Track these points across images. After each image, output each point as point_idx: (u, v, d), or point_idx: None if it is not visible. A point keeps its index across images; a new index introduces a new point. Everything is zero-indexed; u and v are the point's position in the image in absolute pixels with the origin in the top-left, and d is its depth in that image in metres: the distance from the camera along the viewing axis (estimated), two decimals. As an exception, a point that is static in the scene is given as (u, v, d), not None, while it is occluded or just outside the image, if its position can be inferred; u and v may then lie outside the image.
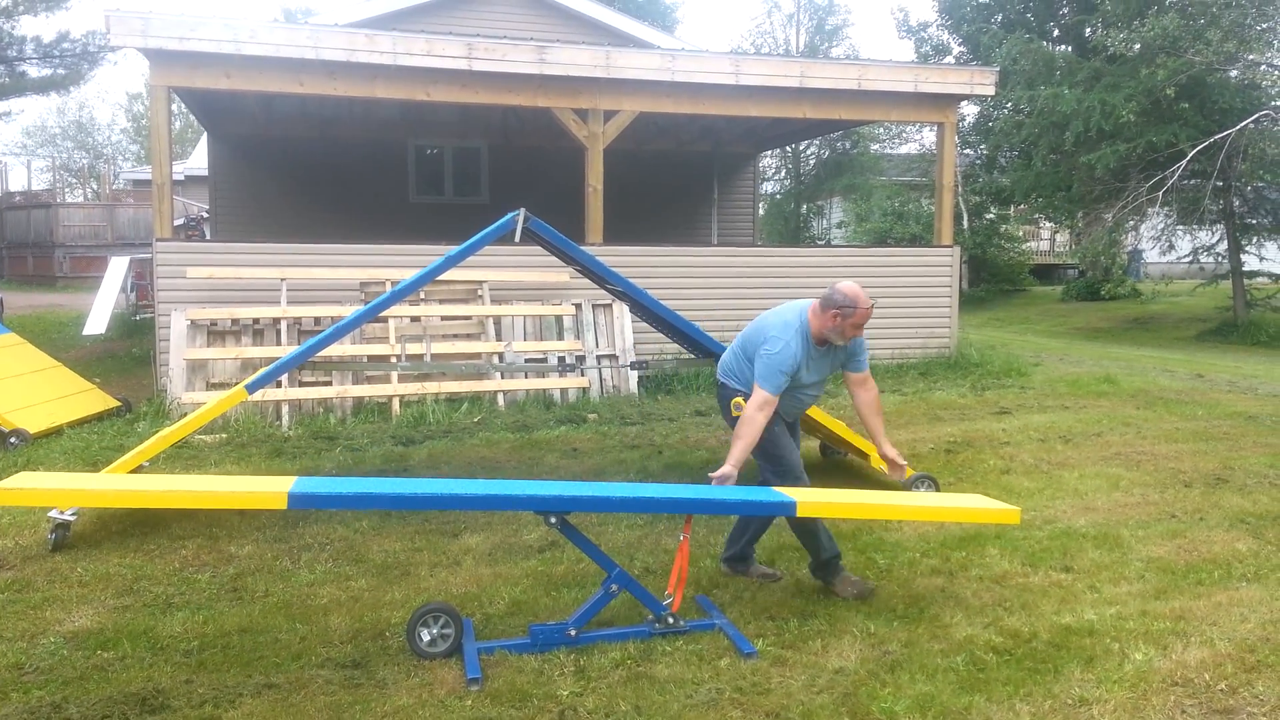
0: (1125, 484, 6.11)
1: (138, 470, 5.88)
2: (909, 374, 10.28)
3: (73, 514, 5.06)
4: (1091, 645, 3.75)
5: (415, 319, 8.86)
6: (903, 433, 7.58)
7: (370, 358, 8.53)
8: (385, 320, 8.66)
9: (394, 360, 8.44)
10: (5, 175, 32.78)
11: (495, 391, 8.66)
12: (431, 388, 8.41)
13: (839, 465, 6.81)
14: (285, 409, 8.09)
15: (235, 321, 8.61)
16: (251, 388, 5.51)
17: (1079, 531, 5.09)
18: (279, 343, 8.52)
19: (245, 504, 3.67)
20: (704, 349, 6.13)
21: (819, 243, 25.80)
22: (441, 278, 8.30)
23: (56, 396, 8.12)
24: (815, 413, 6.11)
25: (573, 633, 3.74)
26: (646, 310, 6.29)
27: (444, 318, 8.99)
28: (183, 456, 6.83)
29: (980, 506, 4.18)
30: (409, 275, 7.74)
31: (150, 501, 3.68)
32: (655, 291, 6.56)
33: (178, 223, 11.53)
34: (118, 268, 14.94)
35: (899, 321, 10.88)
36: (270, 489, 3.58)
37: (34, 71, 14.48)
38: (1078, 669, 3.55)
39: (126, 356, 11.79)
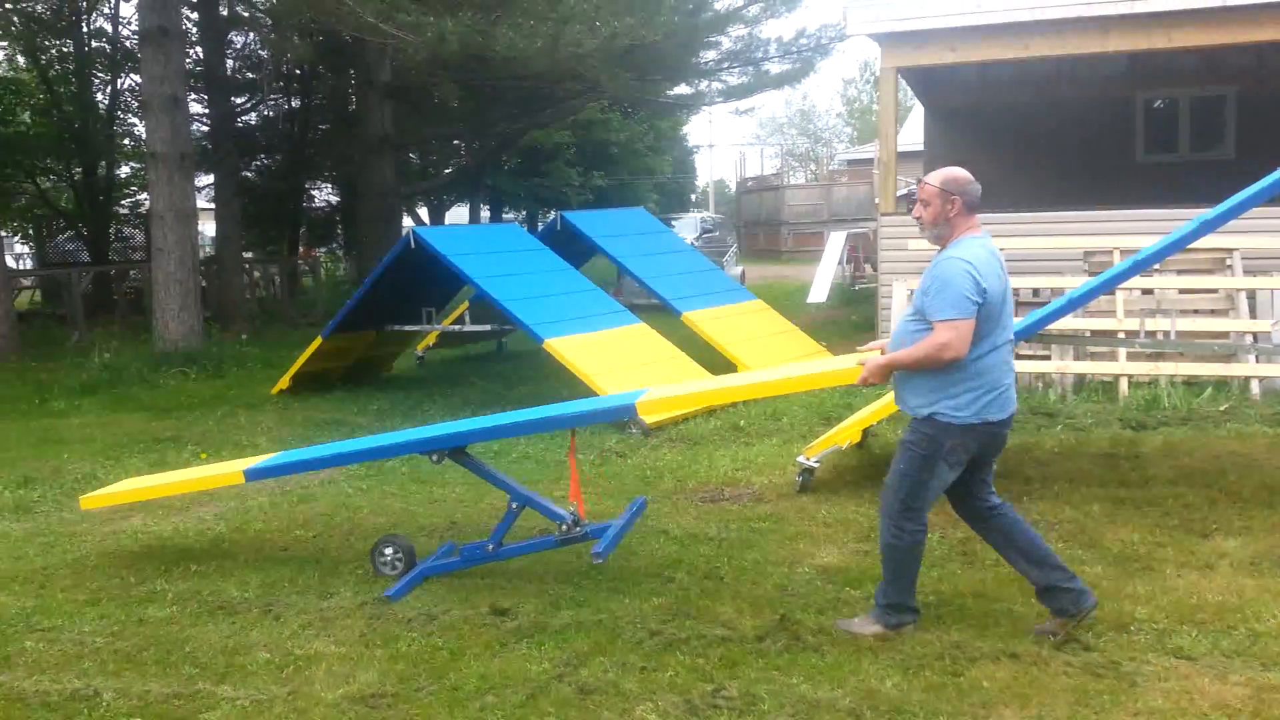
0: None
1: (865, 432, 6.27)
2: None
3: (816, 461, 5.63)
4: None
5: (1148, 291, 8.04)
6: None
7: (1093, 332, 7.98)
8: (1112, 292, 8.02)
9: (1127, 336, 7.76)
10: (743, 163, 38.32)
11: (1248, 377, 7.43)
12: (1167, 368, 7.53)
13: None
14: (999, 380, 7.99)
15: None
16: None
17: None
18: (995, 313, 8.44)
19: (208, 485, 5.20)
20: None
21: None
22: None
23: (795, 356, 9.22)
24: None
25: (490, 548, 4.40)
26: None
27: (1182, 291, 8.01)
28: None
29: (824, 370, 4.26)
30: (1137, 243, 7.04)
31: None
32: None
33: (900, 193, 12.12)
34: (836, 242, 16.45)
35: None
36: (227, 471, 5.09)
37: (774, 68, 16.45)
38: None
39: (845, 323, 12.89)
